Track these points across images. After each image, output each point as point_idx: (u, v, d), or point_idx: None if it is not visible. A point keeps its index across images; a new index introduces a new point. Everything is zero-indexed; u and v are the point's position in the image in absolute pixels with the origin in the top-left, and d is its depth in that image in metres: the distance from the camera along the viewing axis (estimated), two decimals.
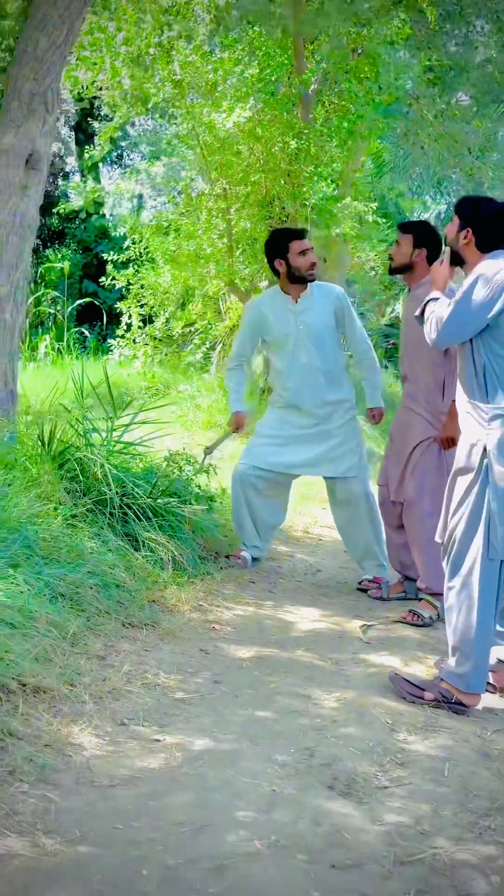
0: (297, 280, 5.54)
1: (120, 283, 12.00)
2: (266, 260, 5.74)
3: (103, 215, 17.74)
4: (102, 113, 14.70)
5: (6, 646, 3.49)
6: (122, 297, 12.47)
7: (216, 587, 5.28)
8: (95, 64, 9.44)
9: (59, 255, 19.67)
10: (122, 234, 12.68)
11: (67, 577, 4.27)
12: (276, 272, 5.63)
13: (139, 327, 12.23)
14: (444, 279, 4.13)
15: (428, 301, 4.05)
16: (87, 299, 18.14)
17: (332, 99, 10.71)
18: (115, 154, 22.29)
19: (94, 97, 11.16)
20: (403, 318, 5.51)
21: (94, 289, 18.69)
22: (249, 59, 9.78)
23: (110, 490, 5.15)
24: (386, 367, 15.83)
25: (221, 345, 12.91)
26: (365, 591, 5.67)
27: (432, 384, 5.16)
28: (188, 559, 5.27)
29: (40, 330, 16.83)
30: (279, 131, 9.80)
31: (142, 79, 9.71)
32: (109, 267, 12.26)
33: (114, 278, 12.10)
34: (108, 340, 13.80)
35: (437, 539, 4.08)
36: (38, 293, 17.92)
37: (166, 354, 13.14)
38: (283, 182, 10.05)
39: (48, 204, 16.85)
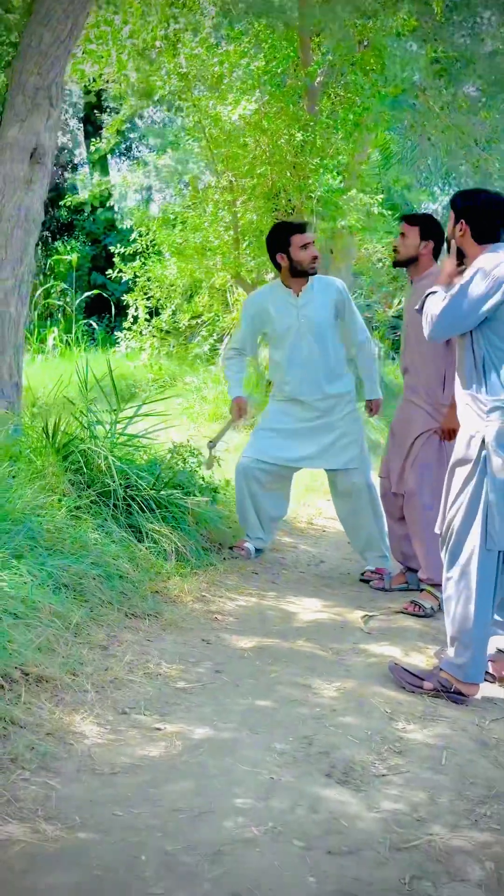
0: (298, 274, 5.56)
1: (127, 276, 12.03)
2: (267, 253, 5.76)
3: (111, 208, 17.75)
4: (110, 106, 14.72)
5: (9, 635, 3.53)
6: (129, 290, 12.50)
7: (219, 578, 5.31)
8: (102, 57, 9.46)
9: (68, 247, 19.69)
10: (128, 226, 12.69)
11: (71, 568, 4.31)
12: (277, 266, 5.64)
13: (146, 320, 12.26)
14: (447, 274, 4.14)
15: (428, 294, 4.07)
16: (96, 291, 18.16)
17: (338, 91, 10.70)
18: (124, 146, 22.30)
19: (102, 90, 11.19)
20: (405, 311, 5.53)
21: (102, 281, 18.70)
22: (255, 52, 9.78)
23: (114, 482, 5.19)
24: (392, 359, 15.83)
25: (229, 336, 12.93)
26: (367, 581, 5.69)
27: (433, 376, 5.18)
28: (191, 550, 5.31)
29: (49, 322, 16.85)
30: (285, 123, 9.81)
31: (148, 72, 9.73)
32: (117, 259, 12.29)
33: (120, 271, 12.13)
34: (116, 333, 13.84)
35: (436, 530, 4.11)
36: (47, 285, 17.94)
37: (173, 347, 13.17)
38: (289, 174, 10.06)
39: (57, 196, 16.90)
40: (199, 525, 5.64)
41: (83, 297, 17.82)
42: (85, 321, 17.15)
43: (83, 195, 14.42)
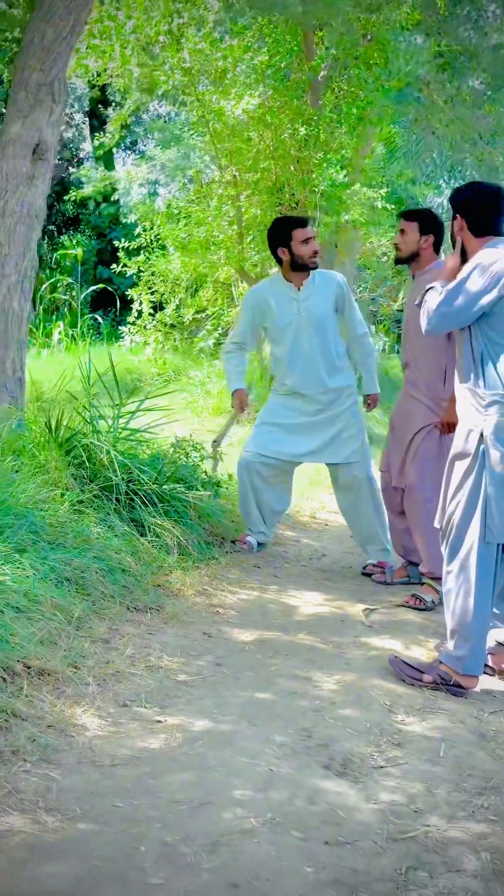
0: (299, 268, 5.57)
1: (131, 271, 12.04)
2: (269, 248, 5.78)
3: (115, 202, 17.76)
4: (115, 100, 14.73)
5: (12, 629, 3.56)
6: (135, 284, 12.51)
7: (221, 572, 5.34)
8: (105, 52, 9.46)
9: (74, 242, 19.70)
10: (133, 221, 12.71)
11: (73, 562, 4.34)
12: (278, 260, 5.66)
13: (150, 314, 12.27)
14: (449, 270, 4.14)
15: (428, 290, 4.09)
16: (101, 286, 18.17)
17: (342, 85, 10.68)
18: (130, 140, 22.30)
19: (106, 84, 11.20)
20: (406, 305, 5.54)
21: (108, 275, 18.72)
22: (259, 47, 9.78)
23: (116, 476, 5.22)
24: (397, 353, 15.83)
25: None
26: (369, 575, 5.72)
27: (434, 371, 5.20)
28: (193, 544, 5.34)
29: (55, 316, 16.88)
30: (289, 118, 9.80)
31: (152, 66, 9.73)
32: (121, 254, 12.30)
33: (125, 265, 12.14)
34: (121, 327, 13.86)
35: (436, 524, 4.13)
36: (53, 279, 17.96)
37: (178, 341, 13.18)
38: (292, 169, 10.05)
39: (62, 190, 16.90)
40: (202, 519, 5.67)
41: (89, 291, 17.83)
42: (90, 315, 17.17)
43: (88, 190, 14.44)
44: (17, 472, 4.90)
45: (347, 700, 3.74)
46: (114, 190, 15.43)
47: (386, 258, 15.09)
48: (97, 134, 13.20)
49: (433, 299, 3.94)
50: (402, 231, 5.29)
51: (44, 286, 16.99)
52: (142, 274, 11.94)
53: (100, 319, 17.06)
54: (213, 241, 10.62)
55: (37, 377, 8.71)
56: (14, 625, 3.59)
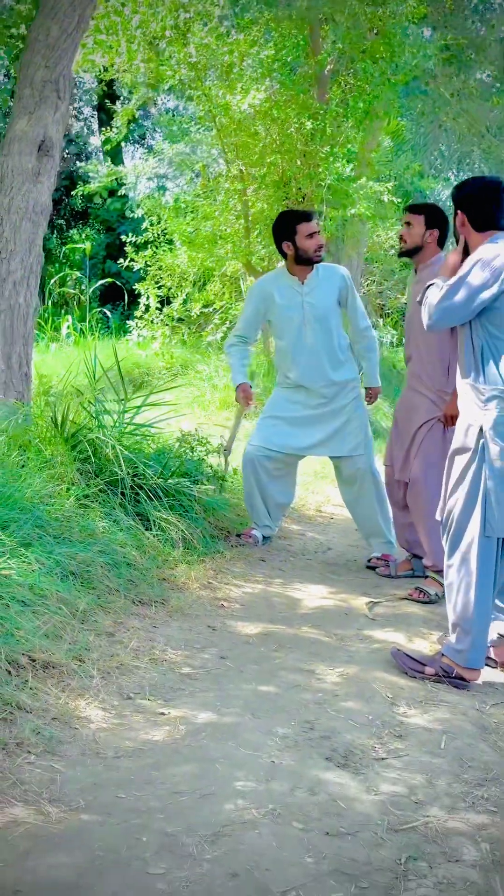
0: (303, 262, 5.58)
1: (138, 265, 12.07)
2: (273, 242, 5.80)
3: (122, 196, 17.78)
4: (122, 95, 14.75)
5: (17, 622, 3.59)
6: (143, 278, 12.54)
7: (226, 565, 5.36)
8: (111, 47, 9.48)
9: (83, 236, 19.72)
10: (140, 215, 12.73)
11: (78, 556, 4.37)
12: (283, 254, 5.66)
13: (157, 308, 12.29)
14: (451, 265, 4.15)
15: (429, 286, 4.10)
16: (110, 280, 18.20)
17: (349, 79, 10.70)
18: (138, 135, 22.30)
19: (113, 79, 11.22)
20: (409, 300, 5.55)
21: (116, 269, 18.74)
22: (265, 41, 9.80)
23: (122, 471, 5.24)
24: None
25: None
26: (374, 568, 5.74)
27: (437, 365, 5.21)
28: (198, 538, 5.36)
29: (63, 310, 16.90)
30: (295, 112, 9.82)
31: (158, 61, 9.75)
32: (128, 248, 12.33)
33: (132, 260, 12.16)
34: (129, 321, 13.89)
35: (437, 517, 4.16)
36: (62, 273, 17.98)
37: (185, 335, 13.21)
38: (299, 163, 10.08)
39: (71, 184, 16.92)
40: (207, 513, 5.69)
41: (97, 285, 17.86)
42: (99, 309, 17.19)
43: (95, 184, 14.47)
44: (23, 466, 4.93)
45: (350, 692, 3.76)
46: (121, 185, 15.44)
47: (393, 251, 15.09)
48: (103, 129, 13.21)
49: (434, 295, 3.95)
50: (407, 223, 5.31)
51: (53, 280, 17.02)
52: (149, 268, 11.97)
53: (108, 314, 17.08)
54: (220, 235, 10.65)
55: (45, 371, 8.73)
56: (19, 618, 3.62)
